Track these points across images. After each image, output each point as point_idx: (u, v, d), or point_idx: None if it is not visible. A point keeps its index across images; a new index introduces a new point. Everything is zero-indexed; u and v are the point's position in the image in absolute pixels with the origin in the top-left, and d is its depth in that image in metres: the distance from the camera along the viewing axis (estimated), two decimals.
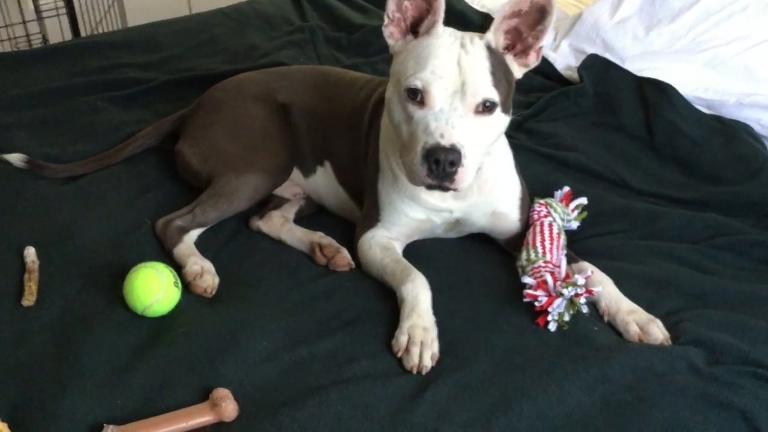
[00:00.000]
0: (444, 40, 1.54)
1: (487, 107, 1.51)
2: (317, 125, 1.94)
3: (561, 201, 1.86)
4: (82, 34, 3.38)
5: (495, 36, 1.55)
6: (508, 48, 1.58)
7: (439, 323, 1.55)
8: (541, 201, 1.82)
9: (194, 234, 1.80)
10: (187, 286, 1.65)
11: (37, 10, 3.27)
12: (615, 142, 2.30)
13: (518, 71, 1.61)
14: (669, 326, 1.58)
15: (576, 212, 1.86)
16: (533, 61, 1.60)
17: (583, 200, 1.87)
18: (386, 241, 1.75)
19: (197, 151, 1.92)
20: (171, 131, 2.08)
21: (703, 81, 2.42)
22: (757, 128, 2.31)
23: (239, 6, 3.08)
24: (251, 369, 1.46)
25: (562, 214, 1.81)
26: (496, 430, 1.33)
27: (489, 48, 1.54)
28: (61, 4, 3.32)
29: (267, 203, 1.95)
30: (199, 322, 1.57)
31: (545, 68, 2.63)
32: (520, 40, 1.58)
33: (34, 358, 1.47)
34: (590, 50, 2.61)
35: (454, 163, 1.46)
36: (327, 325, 1.58)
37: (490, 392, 1.41)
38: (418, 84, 1.49)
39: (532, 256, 1.68)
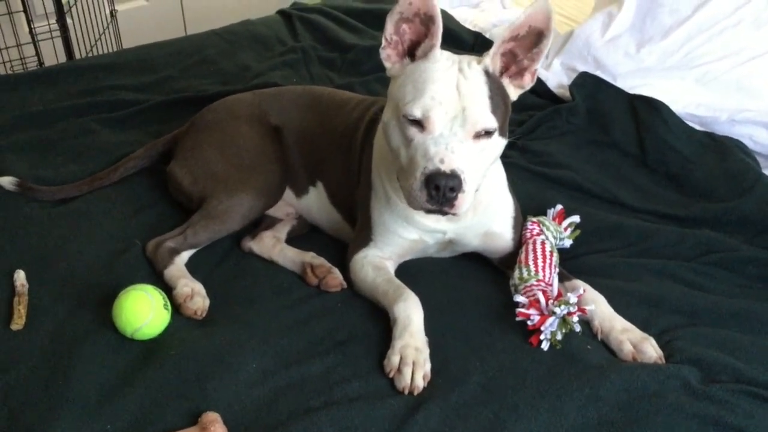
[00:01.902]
0: (442, 64, 1.54)
1: (486, 132, 1.51)
2: (309, 146, 1.94)
3: (554, 219, 1.85)
4: (77, 56, 3.38)
5: (492, 60, 1.56)
6: (504, 70, 1.59)
7: (432, 343, 1.54)
8: (534, 219, 1.82)
9: (185, 255, 1.80)
10: (177, 309, 1.64)
11: (32, 33, 3.27)
12: (607, 160, 2.30)
13: (514, 93, 1.61)
14: (662, 344, 1.58)
15: (569, 230, 1.86)
16: (528, 82, 1.60)
17: (576, 218, 1.87)
18: (378, 261, 1.74)
19: (189, 172, 1.92)
20: (163, 152, 2.08)
21: (695, 97, 2.42)
22: (749, 144, 2.32)
23: (232, 27, 3.09)
24: (241, 391, 1.45)
25: (554, 232, 1.80)
26: None
27: (486, 73, 1.54)
28: (55, 26, 3.32)
29: (259, 224, 1.95)
30: (189, 344, 1.56)
31: (537, 86, 2.60)
32: (515, 62, 1.58)
33: (23, 383, 1.46)
34: (582, 68, 2.62)
35: (454, 189, 1.46)
36: (318, 346, 1.57)
37: (482, 413, 1.40)
38: (418, 112, 1.49)
39: (525, 274, 1.68)
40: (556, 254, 1.76)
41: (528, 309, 1.57)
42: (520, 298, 1.61)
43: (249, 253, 1.89)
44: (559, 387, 1.44)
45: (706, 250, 1.90)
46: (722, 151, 2.23)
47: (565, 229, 1.85)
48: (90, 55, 3.37)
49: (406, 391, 1.44)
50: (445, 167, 1.45)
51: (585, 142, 2.38)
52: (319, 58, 2.84)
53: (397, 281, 1.69)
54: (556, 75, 2.69)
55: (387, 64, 1.61)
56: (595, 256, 1.90)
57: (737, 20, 2.49)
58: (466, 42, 2.94)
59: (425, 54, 1.56)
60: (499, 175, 1.79)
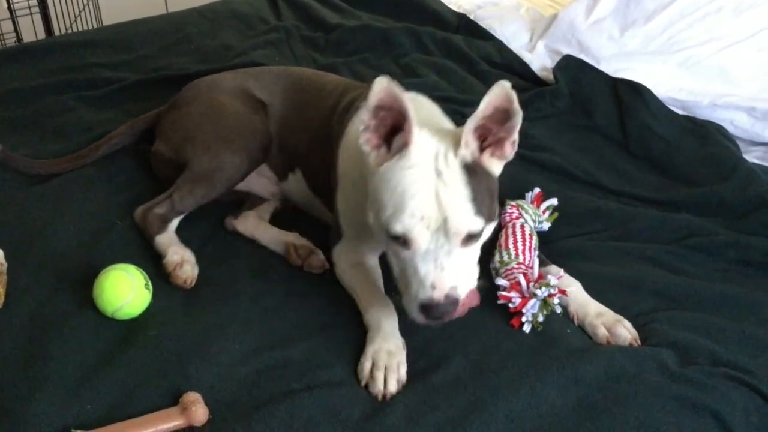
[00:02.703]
0: (419, 169, 1.39)
1: (473, 236, 1.41)
2: (288, 131, 1.92)
3: (532, 202, 1.85)
4: (57, 32, 3.34)
5: (468, 148, 1.41)
6: (482, 144, 1.44)
7: (411, 327, 1.50)
8: (513, 203, 1.82)
9: (175, 222, 1.79)
10: (167, 277, 1.64)
11: (11, 8, 3.22)
12: (589, 143, 2.30)
13: (497, 167, 1.47)
14: (641, 327, 1.58)
15: (547, 213, 1.86)
16: (509, 153, 1.46)
17: (554, 201, 1.87)
18: (354, 258, 1.71)
19: (172, 145, 1.90)
20: (145, 129, 2.06)
21: (678, 81, 2.44)
22: (730, 129, 2.33)
23: (214, 5, 3.06)
24: (223, 372, 1.44)
25: (533, 215, 1.80)
26: (466, 429, 1.33)
27: (465, 167, 1.40)
28: (34, 2, 3.28)
29: (243, 203, 1.94)
30: (171, 324, 1.55)
31: (520, 69, 2.64)
32: (491, 134, 1.43)
33: (2, 363, 1.44)
34: (566, 51, 2.62)
35: (450, 310, 1.39)
36: (301, 328, 1.57)
37: (463, 394, 1.40)
38: (399, 229, 1.37)
39: (505, 258, 1.68)
40: (535, 237, 1.76)
41: (509, 292, 1.58)
42: (501, 281, 1.61)
43: (233, 233, 1.87)
44: (540, 369, 1.44)
45: (686, 234, 1.91)
46: (703, 135, 2.25)
47: (543, 212, 1.85)
48: (69, 31, 3.34)
49: (380, 398, 1.41)
50: (438, 294, 1.37)
51: (568, 125, 2.39)
52: (302, 38, 2.82)
53: (372, 282, 1.66)
54: (539, 58, 2.69)
55: (365, 148, 1.45)
56: (575, 239, 1.90)
57: (718, 6, 2.51)
58: (450, 23, 2.94)
59: (400, 150, 1.42)
60: None
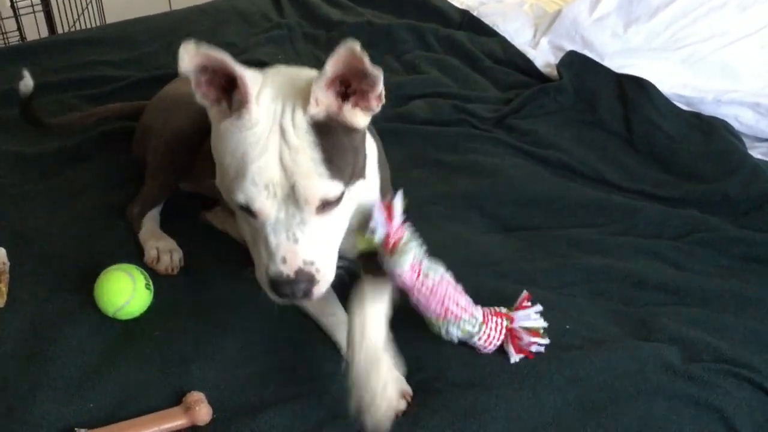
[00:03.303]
0: (260, 128, 1.21)
1: (331, 202, 1.25)
2: None
3: (386, 219, 1.42)
4: (59, 31, 3.35)
5: (318, 105, 1.23)
6: (344, 98, 1.26)
7: (405, 337, 1.44)
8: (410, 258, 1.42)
9: (151, 214, 1.80)
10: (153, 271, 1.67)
11: (14, 7, 3.23)
12: (594, 139, 2.29)
13: (362, 120, 1.29)
14: (645, 322, 1.58)
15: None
16: (375, 105, 1.29)
17: (399, 199, 1.43)
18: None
19: (137, 145, 1.93)
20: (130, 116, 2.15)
21: (682, 78, 2.43)
22: (735, 125, 2.32)
23: (217, 3, 3.06)
24: (227, 372, 1.44)
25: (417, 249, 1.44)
26: None
27: (316, 125, 1.22)
28: (37, 1, 3.29)
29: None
30: (174, 323, 1.55)
31: (524, 65, 2.63)
32: (352, 86, 1.26)
33: (3, 362, 1.44)
34: (569, 47, 2.61)
35: (306, 289, 1.25)
36: (308, 330, 1.55)
37: (462, 396, 1.38)
38: (242, 199, 1.21)
39: (468, 327, 1.45)
40: (446, 275, 1.46)
41: (522, 349, 1.46)
42: (509, 350, 1.46)
43: (207, 225, 1.87)
44: (539, 369, 1.43)
45: (690, 229, 1.90)
46: (708, 131, 2.24)
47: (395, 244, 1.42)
48: (72, 30, 3.34)
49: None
50: (289, 269, 1.22)
51: (572, 121, 2.37)
52: (305, 35, 2.81)
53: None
54: (543, 54, 2.68)
55: (204, 102, 1.27)
56: (580, 230, 1.90)
57: (722, 2, 2.51)
58: (453, 20, 2.93)
59: (240, 109, 1.22)
60: (372, 173, 1.47)
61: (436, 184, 2.02)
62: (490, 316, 1.46)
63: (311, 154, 1.20)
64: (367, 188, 1.40)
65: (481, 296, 1.53)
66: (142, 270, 1.58)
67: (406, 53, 2.72)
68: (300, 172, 1.20)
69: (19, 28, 3.27)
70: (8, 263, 1.66)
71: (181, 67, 1.18)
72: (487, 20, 2.90)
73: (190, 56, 1.17)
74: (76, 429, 1.31)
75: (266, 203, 1.21)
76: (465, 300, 1.45)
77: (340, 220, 1.30)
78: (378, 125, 2.20)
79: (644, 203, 1.99)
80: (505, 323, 1.46)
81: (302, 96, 1.22)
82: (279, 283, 1.23)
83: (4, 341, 1.49)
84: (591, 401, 1.38)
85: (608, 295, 1.65)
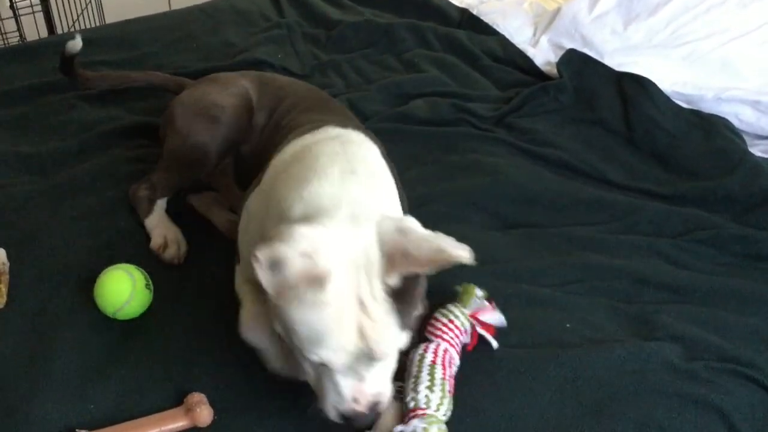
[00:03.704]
0: (339, 306, 1.14)
1: None
2: (256, 157, 1.75)
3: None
4: (59, 31, 3.34)
5: (396, 274, 1.17)
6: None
7: None
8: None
9: (161, 203, 1.81)
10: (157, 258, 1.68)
11: (14, 7, 3.22)
12: (594, 137, 2.29)
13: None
14: (647, 320, 1.57)
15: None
16: None
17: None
18: (249, 277, 1.44)
19: (162, 124, 1.93)
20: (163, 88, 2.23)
21: (682, 75, 2.42)
22: (735, 123, 2.31)
23: (216, 2, 3.05)
24: (228, 373, 1.43)
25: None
26: (463, 431, 1.31)
27: (393, 291, 1.17)
28: (37, 1, 3.28)
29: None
30: (175, 324, 1.55)
31: (524, 64, 2.63)
32: None
33: (4, 362, 1.45)
34: (569, 45, 2.61)
35: (374, 415, 1.24)
36: None
37: (459, 396, 1.37)
38: (316, 359, 1.18)
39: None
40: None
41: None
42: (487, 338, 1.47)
43: (190, 208, 1.89)
44: (537, 367, 1.43)
45: (691, 227, 1.90)
46: (708, 129, 2.23)
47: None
48: (72, 30, 3.33)
49: None
50: (362, 407, 1.21)
51: (572, 119, 2.37)
52: (304, 35, 2.80)
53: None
54: (543, 52, 2.67)
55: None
56: (580, 228, 1.90)
57: None
58: (453, 19, 2.93)
59: (314, 287, 1.13)
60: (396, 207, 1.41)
61: (435, 183, 2.02)
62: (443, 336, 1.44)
63: (391, 321, 1.18)
64: None
65: None
66: (142, 270, 1.58)
67: (405, 52, 2.72)
68: (379, 339, 1.17)
69: (19, 29, 3.26)
70: (8, 263, 1.66)
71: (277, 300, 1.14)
72: (486, 19, 2.89)
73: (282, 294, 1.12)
74: (76, 430, 1.31)
75: (342, 360, 1.18)
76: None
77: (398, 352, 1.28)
78: (377, 124, 2.22)
79: (645, 201, 1.99)
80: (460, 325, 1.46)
81: (378, 260, 1.16)
82: (351, 418, 1.23)
83: (4, 341, 1.49)
84: (590, 399, 1.38)
85: (609, 293, 1.65)
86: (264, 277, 1.09)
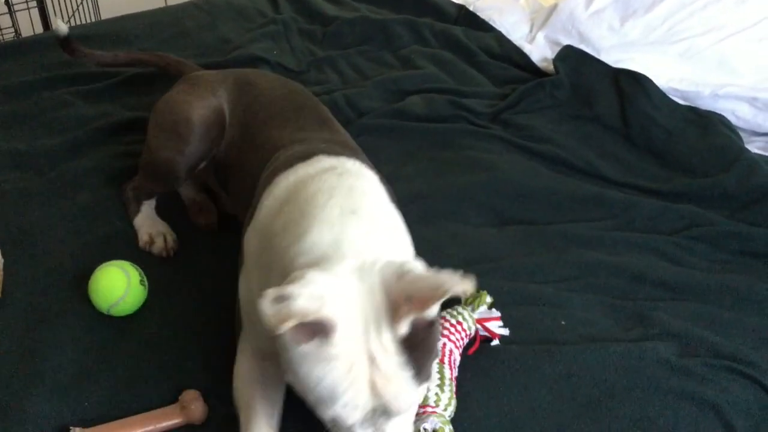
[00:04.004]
0: (348, 359, 1.07)
1: None
2: (233, 167, 1.74)
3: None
4: (54, 27, 3.33)
5: (405, 319, 1.08)
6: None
7: None
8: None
9: (148, 203, 1.84)
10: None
11: (9, 3, 3.21)
12: (590, 134, 2.29)
13: (437, 305, 1.12)
14: (641, 317, 1.57)
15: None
16: None
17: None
18: (254, 367, 1.37)
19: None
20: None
21: (679, 72, 2.42)
22: (732, 119, 2.31)
23: None
24: (223, 370, 1.42)
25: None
26: (458, 428, 1.31)
27: (403, 341, 1.09)
28: None
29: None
30: (170, 321, 1.55)
31: (521, 60, 2.62)
32: None
33: None
34: (566, 41, 2.60)
35: None
36: None
37: None
38: (328, 417, 1.12)
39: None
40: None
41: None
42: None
43: None
44: (532, 364, 1.43)
45: (688, 224, 1.90)
46: (705, 125, 2.23)
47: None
48: (67, 26, 3.32)
49: None
50: None
51: (568, 116, 2.37)
52: (300, 30, 2.80)
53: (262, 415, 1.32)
54: (539, 48, 2.67)
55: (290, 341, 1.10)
56: (576, 224, 1.89)
57: None
58: (449, 15, 2.92)
59: (321, 337, 1.06)
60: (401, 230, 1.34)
61: (431, 179, 2.01)
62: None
63: (403, 375, 1.10)
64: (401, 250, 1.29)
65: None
66: (137, 266, 1.58)
67: (401, 48, 2.71)
68: (394, 395, 1.09)
69: (14, 24, 3.25)
70: (2, 260, 1.65)
71: (277, 330, 1.02)
72: (483, 15, 2.88)
73: (282, 323, 1.01)
74: (71, 428, 1.30)
75: (355, 419, 1.11)
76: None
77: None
78: (373, 120, 2.21)
79: (641, 198, 1.99)
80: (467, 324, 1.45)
81: (385, 309, 1.08)
82: None
83: None
84: (585, 396, 1.37)
85: (604, 290, 1.65)
86: (266, 308, 1.00)
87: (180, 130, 1.75)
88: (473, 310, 1.48)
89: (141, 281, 1.55)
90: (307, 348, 1.07)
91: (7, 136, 2.10)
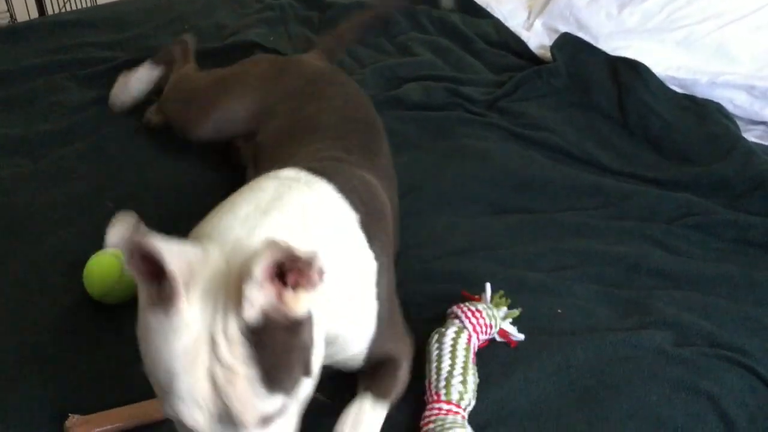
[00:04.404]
0: (188, 337, 0.95)
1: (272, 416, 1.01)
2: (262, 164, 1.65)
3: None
4: (50, 12, 3.32)
5: (253, 307, 0.95)
6: (283, 282, 0.98)
7: None
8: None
9: None
10: None
11: None
12: (588, 122, 2.28)
13: (304, 303, 0.99)
14: (638, 306, 1.57)
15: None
16: (317, 279, 0.97)
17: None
18: None
19: None
20: None
21: (676, 60, 2.41)
22: (729, 108, 2.30)
23: None
24: None
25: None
26: None
27: (252, 332, 0.95)
28: None
29: None
30: None
31: (518, 47, 2.62)
32: (289, 267, 0.97)
33: None
34: (563, 29, 2.60)
35: None
36: None
37: None
38: (170, 412, 0.99)
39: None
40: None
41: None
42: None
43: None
44: (529, 355, 1.42)
45: (685, 212, 1.90)
46: (702, 114, 2.23)
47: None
48: (63, 11, 3.31)
49: None
50: None
51: (566, 103, 2.36)
52: (297, 17, 2.79)
53: None
54: (537, 36, 2.66)
55: (134, 277, 1.02)
56: (573, 213, 1.89)
57: None
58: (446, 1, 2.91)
59: (168, 305, 0.95)
60: (359, 290, 1.26)
61: (428, 167, 2.01)
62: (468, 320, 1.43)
63: (247, 372, 0.96)
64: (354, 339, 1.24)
65: (474, 281, 1.53)
66: None
67: (399, 35, 2.71)
68: (234, 395, 0.96)
69: (9, 9, 3.24)
70: None
71: (109, 241, 0.96)
72: (480, 2, 2.88)
73: (118, 235, 0.96)
74: (69, 414, 1.30)
75: (198, 420, 0.98)
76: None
77: (289, 427, 1.06)
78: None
79: (638, 186, 1.99)
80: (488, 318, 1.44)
81: (238, 293, 0.95)
82: None
83: None
84: (582, 386, 1.37)
85: (601, 279, 1.64)
86: (118, 222, 0.96)
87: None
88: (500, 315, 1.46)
89: None
90: (153, 316, 0.98)
91: (2, 122, 2.10)
